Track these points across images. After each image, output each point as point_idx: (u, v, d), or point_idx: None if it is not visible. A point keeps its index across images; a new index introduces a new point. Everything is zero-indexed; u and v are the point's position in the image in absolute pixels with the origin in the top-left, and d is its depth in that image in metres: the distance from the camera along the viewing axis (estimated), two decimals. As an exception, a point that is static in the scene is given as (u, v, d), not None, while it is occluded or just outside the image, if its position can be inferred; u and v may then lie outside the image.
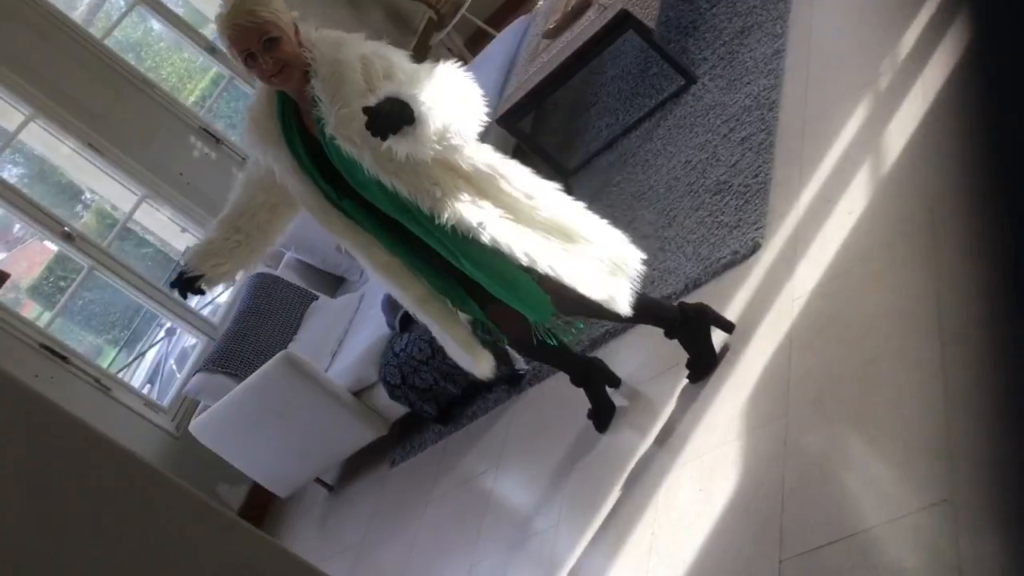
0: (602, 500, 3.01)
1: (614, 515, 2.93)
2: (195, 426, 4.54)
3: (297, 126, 2.50)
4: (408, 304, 2.73)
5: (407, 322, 4.06)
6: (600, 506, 3.00)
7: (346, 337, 4.67)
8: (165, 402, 5.39)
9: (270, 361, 4.16)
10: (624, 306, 2.62)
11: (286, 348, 4.64)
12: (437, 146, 2.23)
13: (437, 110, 2.19)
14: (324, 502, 4.79)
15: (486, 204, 2.43)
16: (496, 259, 2.48)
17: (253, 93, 2.62)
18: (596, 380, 3.21)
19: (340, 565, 4.21)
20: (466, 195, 2.41)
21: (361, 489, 4.58)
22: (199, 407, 4.71)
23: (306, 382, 4.15)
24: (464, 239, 2.42)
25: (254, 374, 4.22)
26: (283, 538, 4.94)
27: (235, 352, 4.65)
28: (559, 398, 3.67)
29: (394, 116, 2.13)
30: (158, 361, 6.74)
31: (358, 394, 4.26)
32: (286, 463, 4.57)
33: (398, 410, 4.21)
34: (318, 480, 4.71)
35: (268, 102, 2.53)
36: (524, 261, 2.46)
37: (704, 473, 2.69)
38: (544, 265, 2.48)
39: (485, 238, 2.40)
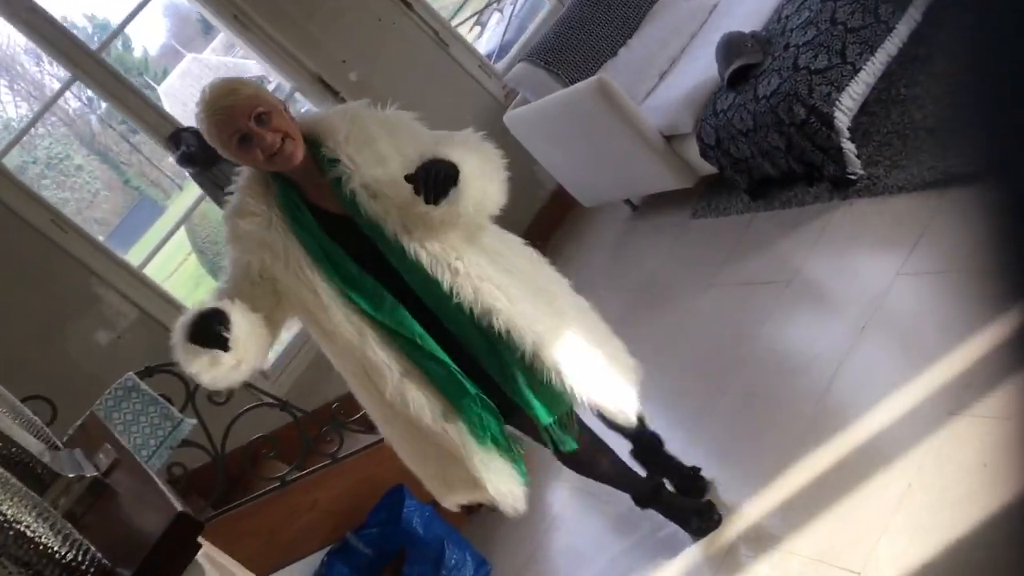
0: (891, 384, 2.51)
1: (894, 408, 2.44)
2: (509, 118, 4.35)
3: (308, 208, 2.16)
4: (429, 419, 2.20)
5: (737, 80, 3.42)
6: (882, 396, 2.50)
7: (681, 57, 4.08)
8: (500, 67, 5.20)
9: (583, 83, 3.75)
10: (633, 414, 2.41)
11: (616, 54, 4.17)
12: (472, 211, 2.07)
13: (478, 174, 2.06)
14: (626, 221, 4.56)
15: (507, 287, 2.20)
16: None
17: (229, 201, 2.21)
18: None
19: (616, 298, 4.06)
20: (486, 273, 2.18)
21: (661, 226, 4.26)
22: (518, 97, 4.48)
23: (616, 114, 3.73)
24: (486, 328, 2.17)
25: (565, 91, 3.86)
26: (577, 242, 4.85)
27: (563, 46, 4.25)
28: (889, 220, 3.01)
29: (442, 177, 1.97)
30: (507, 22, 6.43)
31: (669, 139, 3.79)
32: (589, 179, 4.33)
33: (708, 167, 3.72)
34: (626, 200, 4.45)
35: (263, 193, 2.17)
36: (529, 349, 2.18)
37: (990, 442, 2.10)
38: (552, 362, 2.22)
39: (498, 323, 2.15)
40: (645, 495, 2.61)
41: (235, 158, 2.12)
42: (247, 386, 3.81)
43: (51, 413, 3.18)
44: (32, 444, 1.89)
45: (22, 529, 1.18)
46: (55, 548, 1.20)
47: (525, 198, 4.97)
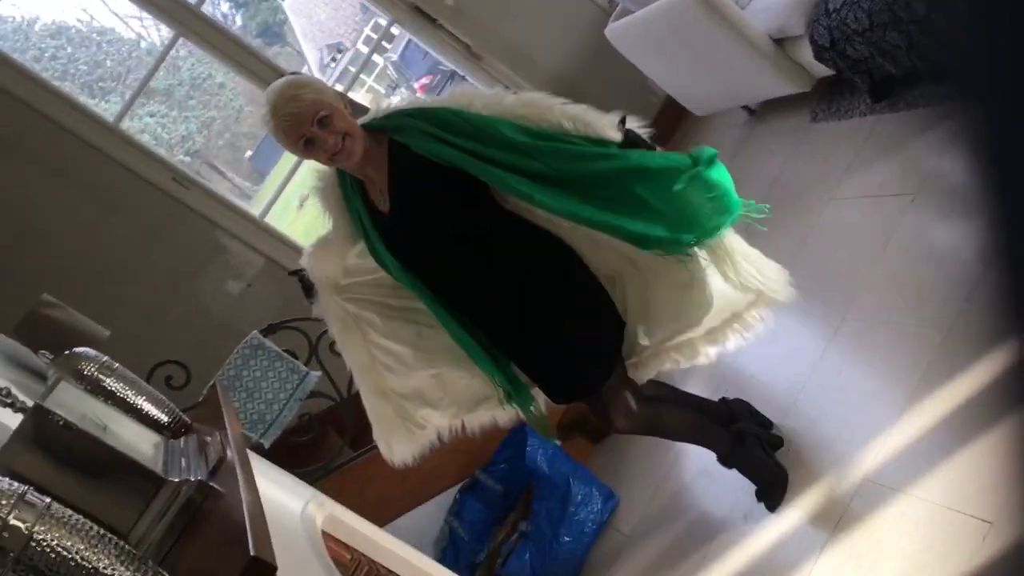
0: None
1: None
2: (611, 31, 4.15)
3: (363, 204, 2.35)
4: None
5: (849, -27, 3.12)
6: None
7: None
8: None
9: (681, -9, 3.52)
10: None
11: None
12: None
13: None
14: (743, 126, 4.33)
15: None
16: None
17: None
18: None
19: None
20: None
21: (779, 132, 4.02)
22: (619, 7, 4.26)
23: (720, 22, 3.49)
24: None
25: (665, 1, 3.63)
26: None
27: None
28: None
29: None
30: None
31: (780, 42, 3.53)
32: (700, 88, 4.11)
33: (825, 69, 3.46)
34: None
35: (332, 178, 2.40)
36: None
37: None
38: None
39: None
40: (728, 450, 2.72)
41: (302, 157, 2.33)
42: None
43: (185, 376, 3.33)
44: (145, 444, 1.97)
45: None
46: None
47: (634, 112, 4.78)
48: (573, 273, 2.35)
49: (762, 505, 2.71)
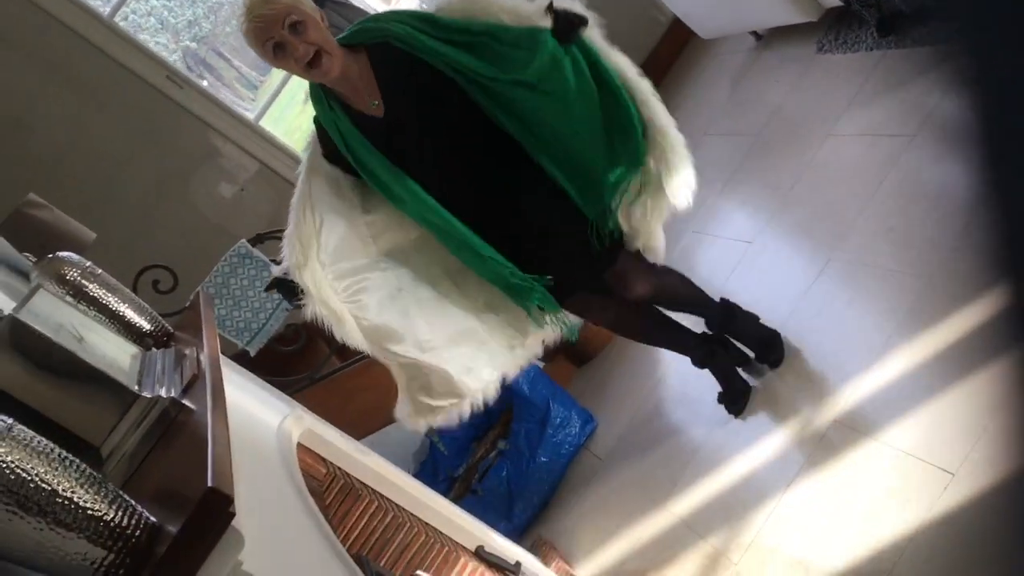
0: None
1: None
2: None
3: (344, 113, 2.29)
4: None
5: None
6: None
7: None
8: None
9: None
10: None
11: None
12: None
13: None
14: (748, 53, 4.24)
15: None
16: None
17: None
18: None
19: (730, 143, 3.86)
20: None
21: (785, 59, 3.94)
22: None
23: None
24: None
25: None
26: (695, 77, 4.56)
27: None
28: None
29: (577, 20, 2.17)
30: None
31: (791, -33, 3.44)
32: (708, 11, 4.02)
33: (833, 0, 3.38)
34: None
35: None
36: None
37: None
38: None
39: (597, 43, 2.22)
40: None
41: (272, 65, 2.25)
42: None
43: (173, 281, 3.34)
44: (123, 356, 1.98)
45: (70, 497, 1.25)
46: (102, 513, 1.27)
47: (640, 31, 4.69)
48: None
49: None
